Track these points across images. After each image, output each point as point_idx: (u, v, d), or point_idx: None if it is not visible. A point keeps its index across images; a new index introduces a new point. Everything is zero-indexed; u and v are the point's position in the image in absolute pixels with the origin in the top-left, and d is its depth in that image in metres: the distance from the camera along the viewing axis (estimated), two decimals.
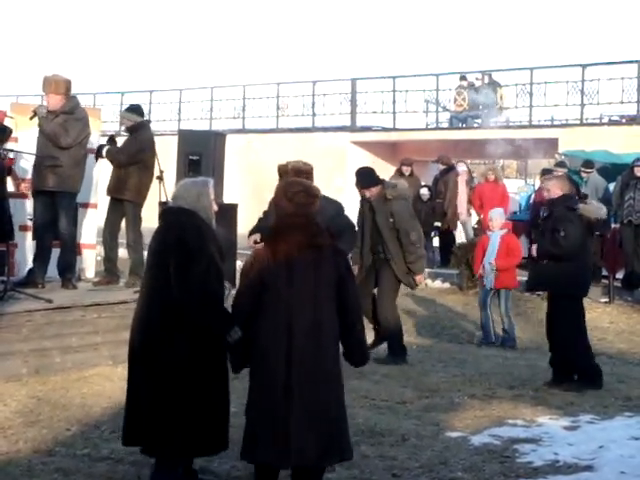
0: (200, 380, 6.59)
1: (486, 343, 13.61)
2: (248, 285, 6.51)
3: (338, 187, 13.35)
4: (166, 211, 6.95)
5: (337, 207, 10.13)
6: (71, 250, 11.78)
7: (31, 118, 11.40)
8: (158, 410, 6.50)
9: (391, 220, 11.38)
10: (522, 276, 13.81)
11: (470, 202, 20.24)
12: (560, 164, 19.41)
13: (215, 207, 6.92)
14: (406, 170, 20.54)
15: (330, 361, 6.52)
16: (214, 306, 6.58)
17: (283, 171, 9.53)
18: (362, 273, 11.46)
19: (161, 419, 6.50)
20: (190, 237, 6.63)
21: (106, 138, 12.77)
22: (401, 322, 11.97)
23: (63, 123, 11.33)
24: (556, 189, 10.54)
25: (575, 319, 10.47)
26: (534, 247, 10.81)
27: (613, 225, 17.30)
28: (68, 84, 11.53)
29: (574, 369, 10.48)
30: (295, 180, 6.98)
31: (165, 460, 6.62)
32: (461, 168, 20.55)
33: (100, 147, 12.25)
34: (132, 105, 13.25)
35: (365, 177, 11.67)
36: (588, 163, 18.38)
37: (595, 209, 10.66)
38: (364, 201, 11.69)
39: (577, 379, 10.45)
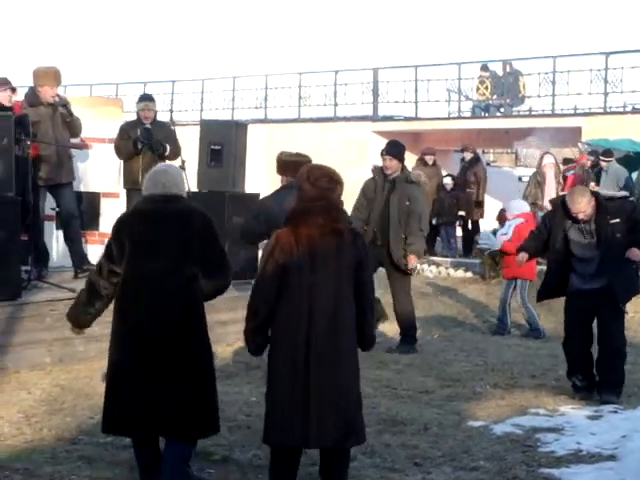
0: (210, 361, 6.71)
1: (497, 333, 13.63)
2: (271, 270, 6.48)
3: (358, 176, 13.27)
4: (172, 199, 6.71)
5: None
6: (81, 240, 11.82)
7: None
8: (187, 394, 6.49)
9: (407, 203, 11.36)
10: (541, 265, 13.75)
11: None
12: (592, 153, 19.27)
13: None
14: (429, 159, 20.54)
15: (348, 345, 6.55)
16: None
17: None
18: None
19: (190, 402, 6.50)
20: (212, 223, 6.73)
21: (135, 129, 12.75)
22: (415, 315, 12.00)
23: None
24: (588, 206, 9.32)
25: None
26: (635, 251, 9.29)
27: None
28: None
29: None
30: (318, 165, 6.96)
31: (191, 441, 6.67)
32: (548, 160, 19.45)
33: (150, 142, 12.21)
34: (149, 95, 13.27)
35: (396, 147, 11.65)
36: (607, 152, 18.37)
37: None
38: (383, 179, 11.58)
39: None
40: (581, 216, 9.29)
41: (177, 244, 6.58)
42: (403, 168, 11.53)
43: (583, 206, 9.27)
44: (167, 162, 11.16)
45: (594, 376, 9.68)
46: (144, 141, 12.16)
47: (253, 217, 9.27)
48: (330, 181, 6.66)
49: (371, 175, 11.77)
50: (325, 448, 6.50)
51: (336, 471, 6.61)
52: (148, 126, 12.36)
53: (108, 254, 6.72)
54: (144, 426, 6.55)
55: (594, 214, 9.36)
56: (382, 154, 11.62)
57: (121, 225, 6.80)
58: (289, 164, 9.17)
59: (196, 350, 6.59)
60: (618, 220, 9.35)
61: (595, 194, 9.67)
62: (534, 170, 20.18)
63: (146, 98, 12.97)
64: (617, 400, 9.46)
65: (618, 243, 9.32)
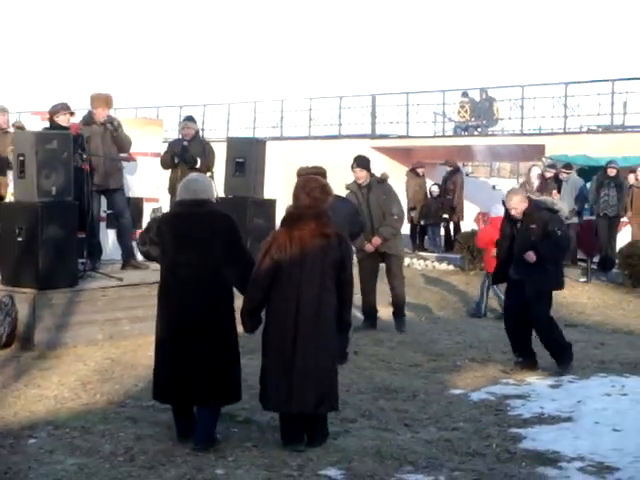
0: (236, 341, 6.71)
1: (474, 316, 13.61)
2: (267, 264, 6.57)
3: None
4: (202, 203, 6.71)
5: (351, 207, 10.09)
6: (131, 236, 11.84)
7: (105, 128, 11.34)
8: (214, 369, 6.53)
9: (383, 197, 11.28)
10: None
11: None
12: (551, 166, 19.35)
13: None
14: (420, 171, 20.70)
15: (328, 329, 6.64)
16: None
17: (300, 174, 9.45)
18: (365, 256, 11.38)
19: (223, 375, 6.58)
20: (235, 223, 6.77)
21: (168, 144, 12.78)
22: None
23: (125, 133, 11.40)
24: (521, 203, 9.27)
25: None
26: (530, 253, 9.15)
27: (588, 217, 17.26)
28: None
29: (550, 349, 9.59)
30: (313, 177, 7.01)
31: (217, 410, 6.70)
32: (536, 171, 18.55)
33: (184, 157, 12.27)
34: (190, 116, 13.34)
35: (363, 160, 11.56)
36: (568, 165, 18.44)
37: (565, 209, 9.92)
38: (359, 188, 11.38)
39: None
40: (512, 212, 9.30)
41: (205, 240, 6.60)
42: (371, 175, 11.49)
43: (513, 203, 9.28)
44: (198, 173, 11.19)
45: (533, 353, 9.58)
46: (179, 156, 12.33)
47: None
48: (322, 192, 6.73)
49: (348, 191, 11.59)
50: (305, 413, 6.61)
51: (315, 431, 6.72)
52: (185, 143, 12.47)
53: (147, 228, 7.02)
54: (181, 395, 6.60)
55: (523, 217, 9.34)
56: (352, 167, 11.52)
57: (161, 224, 6.86)
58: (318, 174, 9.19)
59: (222, 332, 6.60)
60: (535, 226, 9.22)
61: (530, 199, 9.54)
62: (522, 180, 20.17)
63: (186, 119, 13.09)
64: (567, 366, 9.42)
65: (531, 245, 9.19)
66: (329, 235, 6.64)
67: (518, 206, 9.30)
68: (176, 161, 12.32)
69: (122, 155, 11.66)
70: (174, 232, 6.67)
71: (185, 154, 12.30)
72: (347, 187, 11.51)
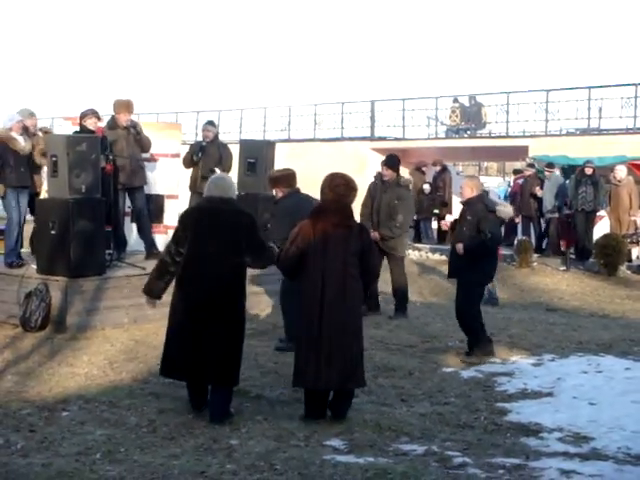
0: (242, 330, 6.77)
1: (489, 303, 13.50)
2: (292, 252, 6.64)
3: (359, 183, 13.24)
4: (226, 201, 6.77)
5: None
6: (151, 229, 11.84)
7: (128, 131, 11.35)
8: (236, 349, 6.63)
9: (395, 202, 11.21)
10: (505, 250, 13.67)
11: None
12: (530, 165, 19.43)
13: None
14: (425, 169, 20.69)
15: (352, 312, 6.64)
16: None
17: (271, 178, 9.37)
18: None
19: (237, 357, 6.65)
20: (255, 220, 6.87)
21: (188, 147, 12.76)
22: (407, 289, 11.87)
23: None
24: (468, 189, 8.98)
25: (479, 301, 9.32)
26: (460, 246, 8.86)
27: (567, 211, 17.25)
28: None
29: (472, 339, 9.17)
30: (339, 174, 6.92)
31: (230, 387, 6.71)
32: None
33: (200, 157, 12.28)
34: (210, 120, 13.35)
35: (392, 159, 11.48)
36: (550, 165, 18.57)
37: (508, 212, 9.47)
38: (381, 182, 11.32)
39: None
40: (460, 197, 9.08)
41: (228, 235, 6.63)
42: (398, 175, 11.44)
43: (462, 187, 9.11)
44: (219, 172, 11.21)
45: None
46: (198, 155, 12.35)
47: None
48: (346, 188, 6.73)
49: (373, 180, 11.68)
50: (331, 389, 6.64)
51: (340, 405, 6.74)
52: (204, 144, 12.46)
53: (176, 238, 6.78)
54: (187, 373, 6.65)
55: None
56: (382, 164, 11.54)
57: (187, 217, 6.87)
58: (280, 178, 9.17)
59: (231, 321, 6.63)
60: (470, 219, 8.86)
61: (482, 195, 9.11)
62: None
63: (207, 122, 13.06)
64: (474, 356, 8.93)
65: (464, 234, 8.86)
66: (351, 226, 6.67)
67: (463, 187, 9.08)
68: (195, 159, 12.35)
69: (144, 155, 11.66)
70: (200, 225, 6.66)
71: (200, 153, 12.34)
72: (375, 176, 11.52)
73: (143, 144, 11.38)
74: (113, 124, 11.31)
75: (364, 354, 6.87)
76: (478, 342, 9.10)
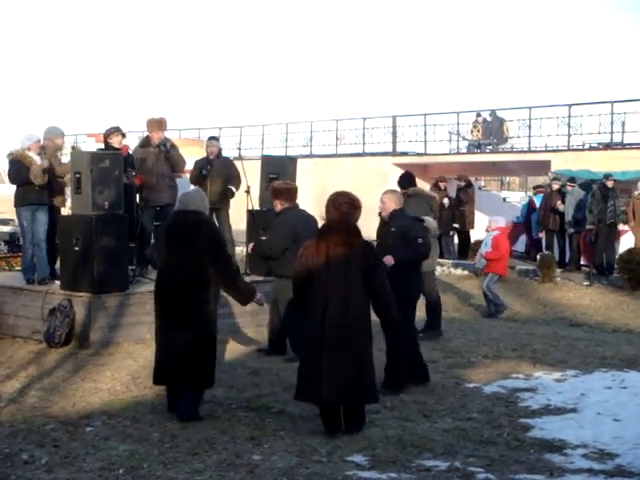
0: (212, 332, 7.08)
1: (492, 315, 13.49)
2: (300, 269, 6.80)
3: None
4: (188, 213, 7.18)
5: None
6: None
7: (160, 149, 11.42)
8: (201, 352, 6.96)
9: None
10: (520, 265, 13.64)
11: None
12: (555, 179, 19.28)
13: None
14: (442, 185, 20.51)
15: (356, 328, 6.66)
16: (239, 275, 7.40)
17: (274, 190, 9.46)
18: None
19: (203, 359, 6.97)
20: (217, 230, 7.52)
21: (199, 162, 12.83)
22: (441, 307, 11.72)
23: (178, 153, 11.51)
24: (391, 203, 8.52)
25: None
26: (389, 258, 8.06)
27: (590, 226, 17.10)
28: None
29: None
30: (344, 192, 7.00)
31: (198, 392, 7.06)
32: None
33: (207, 172, 12.29)
34: (213, 136, 13.41)
35: (402, 179, 11.52)
36: (572, 179, 18.54)
37: (435, 226, 8.85)
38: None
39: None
40: (379, 205, 8.67)
41: (189, 244, 6.98)
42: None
43: (383, 201, 8.58)
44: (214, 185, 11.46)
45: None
46: (206, 169, 12.28)
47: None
48: (350, 207, 6.80)
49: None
50: (331, 404, 6.69)
51: (349, 420, 6.79)
52: (210, 157, 12.43)
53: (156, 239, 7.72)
54: (164, 378, 7.09)
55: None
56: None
57: (160, 230, 7.73)
58: (283, 190, 9.34)
59: (196, 326, 6.92)
60: (394, 230, 8.42)
61: (404, 209, 8.69)
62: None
63: (210, 138, 13.11)
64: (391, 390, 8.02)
65: (389, 247, 8.30)
66: (353, 244, 6.69)
67: (385, 201, 8.58)
68: (204, 172, 12.26)
69: (172, 173, 11.71)
70: (166, 236, 7.22)
71: (206, 168, 12.30)
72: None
73: (174, 162, 11.49)
74: (146, 142, 11.48)
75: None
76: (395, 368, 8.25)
